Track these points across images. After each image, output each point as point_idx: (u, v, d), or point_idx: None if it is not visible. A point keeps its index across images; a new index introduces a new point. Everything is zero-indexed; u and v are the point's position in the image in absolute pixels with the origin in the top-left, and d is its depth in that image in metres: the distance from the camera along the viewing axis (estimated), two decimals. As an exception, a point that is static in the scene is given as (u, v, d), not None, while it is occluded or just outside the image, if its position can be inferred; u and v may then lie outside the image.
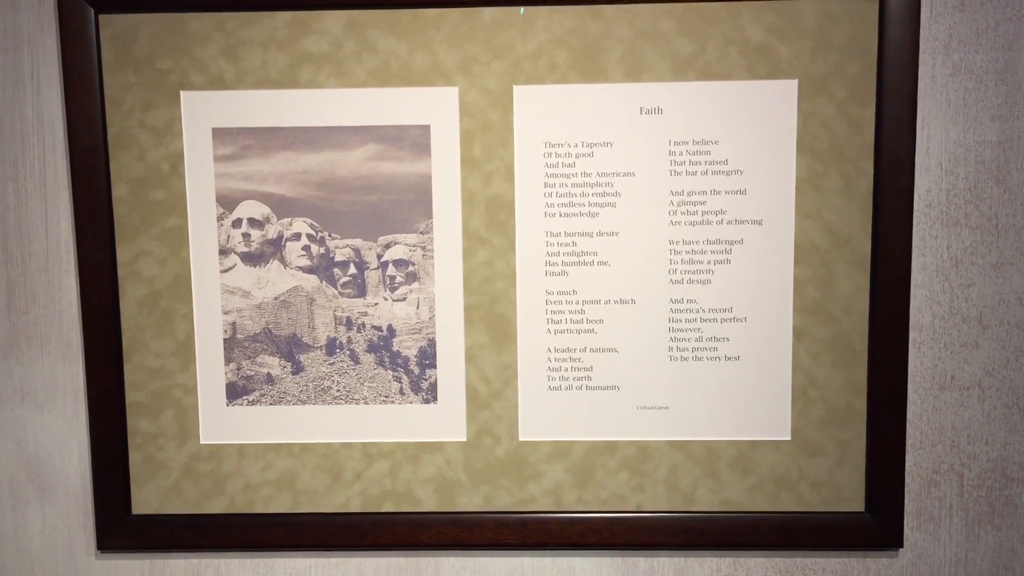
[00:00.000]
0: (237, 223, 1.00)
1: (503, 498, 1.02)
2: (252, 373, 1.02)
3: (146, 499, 1.03)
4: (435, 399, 1.01)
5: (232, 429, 1.02)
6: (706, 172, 0.97)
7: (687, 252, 0.98)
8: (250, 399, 1.02)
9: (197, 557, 1.05)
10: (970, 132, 0.98)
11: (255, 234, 1.00)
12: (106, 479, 1.02)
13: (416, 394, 1.01)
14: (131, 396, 1.02)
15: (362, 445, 1.02)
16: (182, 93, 0.98)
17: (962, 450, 1.02)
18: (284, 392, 1.02)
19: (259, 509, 1.03)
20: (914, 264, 0.99)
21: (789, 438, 1.00)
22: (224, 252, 1.00)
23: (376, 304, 1.00)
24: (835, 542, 1.01)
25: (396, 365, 1.01)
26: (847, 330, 0.99)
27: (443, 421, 1.02)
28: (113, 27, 0.97)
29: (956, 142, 0.98)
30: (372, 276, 1.00)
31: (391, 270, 1.00)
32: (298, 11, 0.96)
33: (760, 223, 0.98)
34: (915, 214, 0.98)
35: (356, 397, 1.02)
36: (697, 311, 0.99)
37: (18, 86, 1.00)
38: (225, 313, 1.01)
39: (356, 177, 0.98)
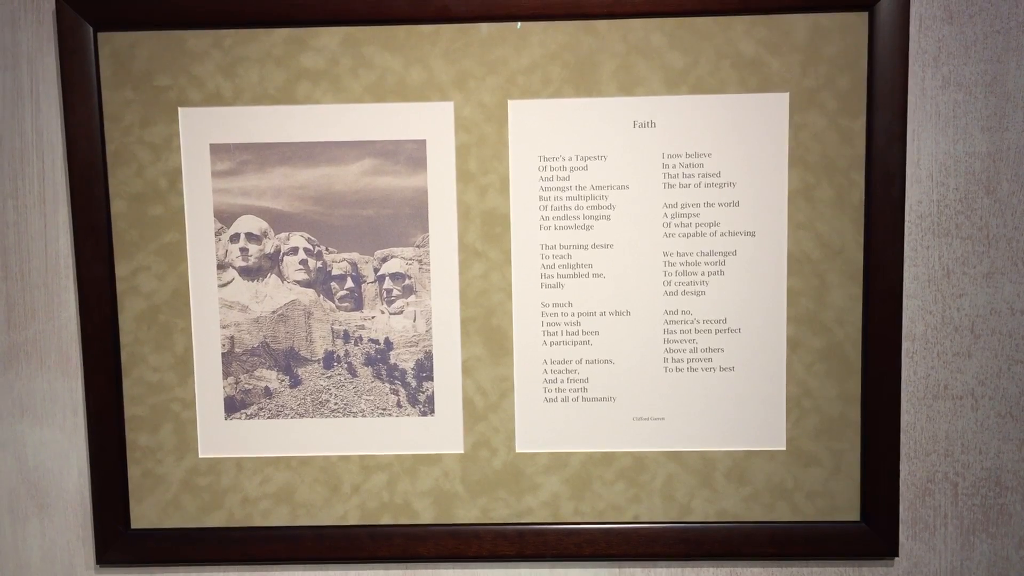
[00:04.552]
0: (235, 238, 1.00)
1: (500, 510, 1.03)
2: (250, 387, 1.02)
3: (145, 513, 1.04)
4: (432, 411, 1.02)
5: (230, 443, 1.03)
6: (699, 184, 0.98)
7: (681, 264, 0.99)
8: (248, 413, 1.02)
9: (196, 571, 1.05)
10: (960, 143, 0.99)
11: (253, 249, 1.00)
12: (105, 493, 1.03)
13: (413, 407, 1.02)
14: (130, 410, 1.02)
15: (360, 458, 1.03)
16: (180, 109, 0.99)
17: (956, 459, 1.02)
18: (282, 405, 1.02)
19: (257, 522, 1.03)
20: (906, 274, 1.00)
21: (784, 448, 1.01)
22: (222, 267, 1.01)
23: (373, 317, 1.01)
24: (830, 551, 1.01)
25: (393, 378, 1.02)
26: (840, 340, 0.99)
27: (440, 433, 1.02)
28: (112, 44, 0.98)
29: (946, 153, 0.99)
30: (369, 290, 1.01)
31: (388, 283, 1.00)
32: (295, 28, 0.97)
33: (753, 235, 0.99)
34: (906, 225, 0.99)
35: (354, 410, 1.02)
36: (691, 322, 1.00)
37: (18, 103, 1.01)
38: (223, 327, 1.01)
39: (353, 192, 0.99)
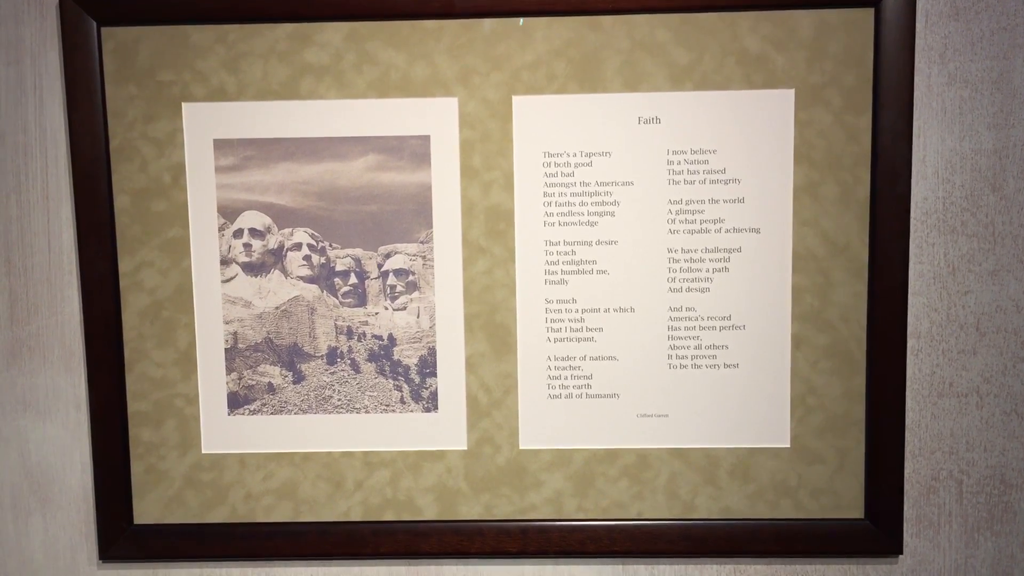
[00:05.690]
0: (238, 233, 1.00)
1: (504, 506, 1.03)
2: (253, 383, 1.02)
3: (148, 509, 1.04)
4: (436, 408, 1.02)
5: (233, 439, 1.03)
6: (704, 181, 0.98)
7: (686, 260, 0.99)
8: (251, 408, 1.02)
9: (199, 567, 1.05)
10: (966, 140, 0.98)
11: (256, 244, 1.00)
12: (108, 489, 1.03)
13: (417, 403, 1.02)
14: (133, 406, 1.02)
15: (363, 454, 1.02)
16: (184, 105, 0.99)
17: (961, 457, 1.02)
18: (285, 401, 1.02)
19: (260, 518, 1.03)
20: (911, 272, 0.99)
21: (788, 445, 1.01)
22: (225, 262, 1.01)
23: (377, 313, 1.01)
24: (835, 549, 1.01)
25: (397, 374, 1.01)
26: (845, 338, 0.99)
27: (444, 430, 1.02)
28: (115, 40, 0.98)
29: (952, 150, 0.98)
30: (372, 285, 1.00)
31: (391, 279, 1.00)
32: (299, 23, 0.97)
33: (758, 231, 0.98)
34: (912, 222, 0.99)
35: (357, 406, 1.02)
36: (696, 319, 1.00)
37: (21, 98, 1.00)
38: (226, 323, 1.01)
39: (356, 187, 0.99)
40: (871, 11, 0.95)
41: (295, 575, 1.05)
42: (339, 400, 1.02)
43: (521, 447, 1.02)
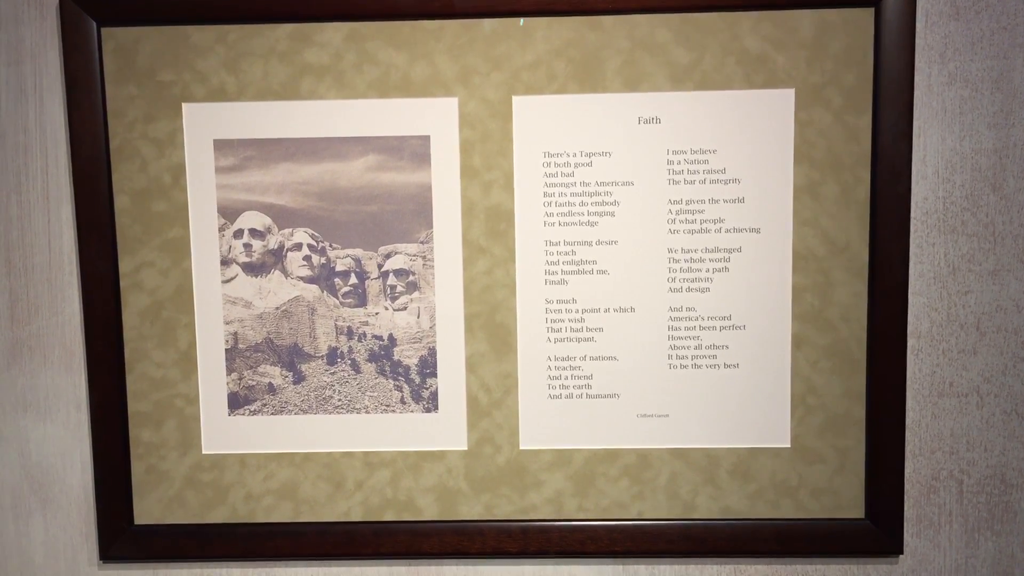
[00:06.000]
0: (238, 234, 1.00)
1: (504, 506, 1.03)
2: (254, 383, 1.02)
3: (148, 509, 1.04)
4: (436, 408, 1.02)
5: (234, 439, 1.03)
6: (704, 181, 0.98)
7: (686, 260, 0.99)
8: (252, 409, 1.02)
9: (199, 567, 1.05)
10: (966, 140, 0.98)
11: (256, 244, 1.00)
12: (108, 489, 1.03)
13: (417, 403, 1.02)
14: (133, 406, 1.02)
15: (363, 454, 1.02)
16: (184, 105, 0.99)
17: (961, 456, 1.02)
18: (285, 402, 1.02)
19: (261, 518, 1.03)
20: (912, 271, 0.99)
21: (788, 445, 1.01)
22: (226, 262, 1.01)
23: (377, 313, 1.01)
24: (835, 549, 1.01)
25: (397, 374, 1.01)
26: (846, 337, 0.99)
27: (444, 430, 1.02)
28: (115, 40, 0.98)
29: (952, 150, 0.98)
30: (373, 286, 1.00)
31: (392, 280, 1.00)
32: (299, 23, 0.97)
33: (758, 231, 0.98)
34: (912, 222, 0.99)
35: (357, 406, 1.02)
36: (696, 319, 1.00)
37: (21, 98, 1.00)
38: (227, 323, 1.01)
39: (356, 187, 0.99)
40: (871, 11, 0.95)
41: (295, 575, 1.05)
42: (339, 400, 1.02)
43: (521, 447, 1.02)
